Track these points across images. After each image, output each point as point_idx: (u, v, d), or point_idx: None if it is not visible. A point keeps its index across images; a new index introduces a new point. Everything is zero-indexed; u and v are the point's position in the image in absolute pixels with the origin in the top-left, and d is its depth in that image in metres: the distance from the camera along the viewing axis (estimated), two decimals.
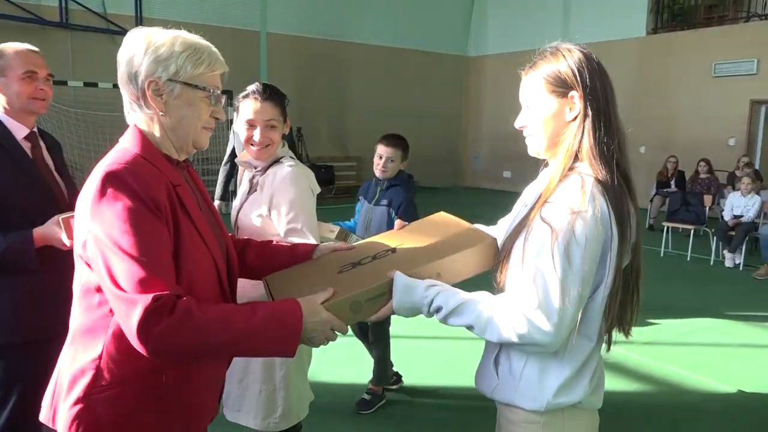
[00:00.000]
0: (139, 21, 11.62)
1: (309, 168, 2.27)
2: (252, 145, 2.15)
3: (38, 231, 1.93)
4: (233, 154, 5.08)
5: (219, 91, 1.39)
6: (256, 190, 2.18)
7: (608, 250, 1.33)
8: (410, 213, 3.31)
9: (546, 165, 1.54)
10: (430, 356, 4.23)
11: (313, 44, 13.80)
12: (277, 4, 13.31)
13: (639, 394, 3.72)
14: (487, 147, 16.46)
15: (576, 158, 1.39)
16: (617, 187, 1.34)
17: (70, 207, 2.10)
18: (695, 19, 12.60)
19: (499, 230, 1.68)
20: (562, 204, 1.31)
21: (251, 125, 2.14)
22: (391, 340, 4.48)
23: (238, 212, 2.23)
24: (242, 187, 2.31)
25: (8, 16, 10.25)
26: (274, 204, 2.09)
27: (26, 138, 2.06)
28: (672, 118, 12.53)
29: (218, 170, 13.22)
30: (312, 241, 2.03)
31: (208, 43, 1.38)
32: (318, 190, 2.24)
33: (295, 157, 2.26)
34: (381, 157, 3.41)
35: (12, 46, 2.04)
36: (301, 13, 13.60)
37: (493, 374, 1.46)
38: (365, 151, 14.83)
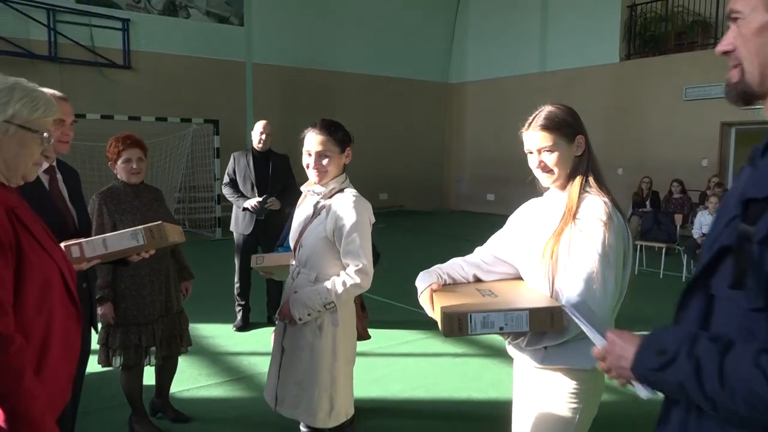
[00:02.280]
0: (127, 54, 11.90)
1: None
2: (308, 170, 2.51)
3: None
4: (233, 175, 5.40)
5: (48, 134, 1.59)
6: (320, 214, 2.50)
7: (628, 257, 1.83)
8: None
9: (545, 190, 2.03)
10: (405, 373, 4.41)
11: (297, 73, 14.12)
12: (261, 34, 13.66)
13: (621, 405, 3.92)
14: (471, 171, 16.78)
15: (586, 183, 1.89)
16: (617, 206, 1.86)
17: (78, 233, 2.33)
18: (666, 45, 13.07)
19: (495, 246, 2.12)
20: (593, 218, 1.79)
21: (308, 154, 2.51)
22: (366, 358, 4.67)
23: (301, 233, 2.56)
24: (304, 211, 2.63)
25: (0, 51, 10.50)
26: (337, 227, 2.43)
27: (45, 171, 2.31)
28: (646, 141, 12.92)
29: (206, 197, 13.31)
30: (364, 261, 2.42)
31: (45, 92, 1.60)
32: (374, 220, 2.57)
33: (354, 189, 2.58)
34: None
35: (46, 93, 2.27)
36: (285, 43, 13.95)
37: (540, 349, 1.85)
38: (353, 177, 15.04)
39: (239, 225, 5.39)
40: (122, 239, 2.19)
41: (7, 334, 1.35)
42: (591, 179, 1.89)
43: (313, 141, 2.50)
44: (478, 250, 2.18)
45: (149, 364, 3.32)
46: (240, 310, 5.47)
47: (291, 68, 14.04)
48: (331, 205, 2.50)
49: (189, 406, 3.72)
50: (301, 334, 2.51)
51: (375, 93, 15.42)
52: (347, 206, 2.46)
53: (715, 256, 1.09)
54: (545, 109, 1.94)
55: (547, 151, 1.90)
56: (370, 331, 5.12)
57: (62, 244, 2.10)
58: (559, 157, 1.89)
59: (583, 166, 1.90)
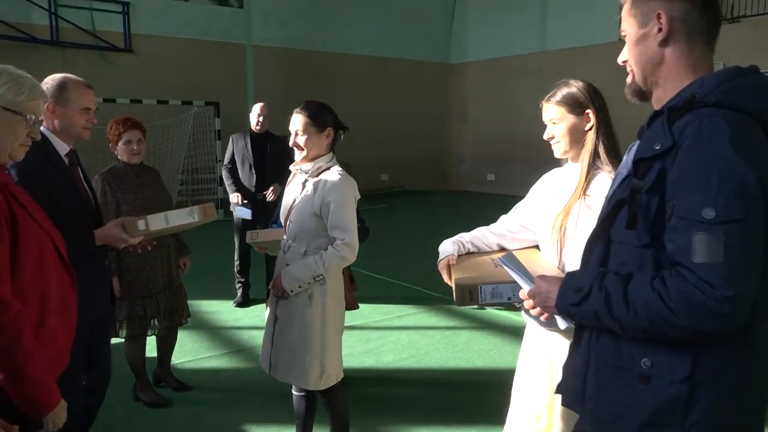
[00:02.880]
0: (128, 37, 11.98)
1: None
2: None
3: (98, 232, 2.32)
4: (232, 158, 5.57)
5: (35, 116, 1.70)
6: (308, 192, 2.65)
7: None
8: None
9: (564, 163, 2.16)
10: (397, 345, 4.59)
11: (298, 55, 14.17)
12: (262, 17, 13.69)
13: None
14: (471, 151, 16.86)
15: (596, 158, 1.98)
16: None
17: (98, 214, 2.53)
18: None
19: (520, 214, 2.29)
20: (601, 195, 1.79)
21: (294, 133, 2.70)
22: (360, 331, 4.87)
23: (290, 210, 2.73)
24: (293, 189, 2.80)
25: (2, 36, 10.60)
26: (324, 204, 2.58)
27: (66, 155, 2.44)
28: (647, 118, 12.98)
29: (208, 179, 13.45)
30: (350, 235, 2.57)
31: (31, 77, 1.72)
32: (359, 197, 2.73)
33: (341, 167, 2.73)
34: None
35: (73, 81, 2.42)
36: (285, 25, 13.98)
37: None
38: (355, 158, 15.15)
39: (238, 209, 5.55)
40: (181, 216, 2.47)
41: (4, 299, 1.49)
42: (603, 155, 1.98)
43: (293, 120, 2.69)
44: (503, 218, 2.34)
45: (153, 334, 3.51)
46: (240, 287, 5.65)
47: (291, 50, 14.09)
48: (318, 183, 2.64)
49: (191, 376, 3.92)
50: (293, 304, 2.67)
51: (376, 74, 15.46)
52: (333, 184, 2.61)
53: (612, 208, 1.37)
54: (560, 83, 2.08)
55: (554, 123, 2.06)
56: (366, 305, 5.32)
57: (127, 219, 2.35)
58: (564, 130, 2.02)
59: (592, 141, 1.99)
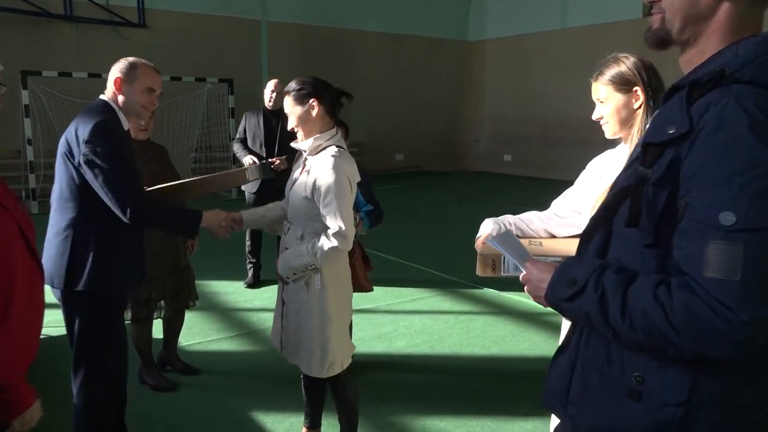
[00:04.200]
0: (142, 12, 11.85)
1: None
2: None
3: (207, 215, 2.54)
4: (244, 134, 5.51)
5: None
6: (305, 173, 2.50)
7: None
8: (370, 189, 3.51)
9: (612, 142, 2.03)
10: (410, 329, 4.48)
11: (313, 31, 13.95)
12: None
13: None
14: (488, 131, 16.60)
15: None
16: None
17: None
18: None
19: (570, 197, 2.14)
20: None
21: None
22: (372, 315, 4.76)
23: (290, 190, 2.58)
24: (296, 168, 2.65)
25: (15, 10, 10.50)
26: (316, 188, 2.41)
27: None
28: None
29: (222, 157, 13.40)
30: (341, 223, 2.39)
31: None
32: (358, 178, 2.54)
33: (343, 146, 2.55)
34: None
35: (143, 62, 2.51)
36: (301, 0, 13.76)
37: None
38: (369, 136, 15.02)
39: (248, 184, 5.43)
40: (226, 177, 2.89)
41: None
42: None
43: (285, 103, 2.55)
44: (554, 202, 2.20)
45: (159, 317, 3.43)
46: (251, 268, 5.57)
47: (307, 26, 13.87)
48: (312, 164, 2.49)
49: (199, 358, 3.85)
50: (294, 289, 2.56)
51: (392, 51, 15.21)
52: (325, 166, 2.42)
53: (616, 194, 1.19)
54: (609, 59, 1.95)
55: (602, 102, 1.94)
56: (378, 289, 5.20)
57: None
58: (612, 109, 1.91)
59: (641, 120, 1.87)
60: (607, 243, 1.20)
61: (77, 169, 2.31)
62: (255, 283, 5.51)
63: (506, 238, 1.41)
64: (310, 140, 2.50)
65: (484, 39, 16.46)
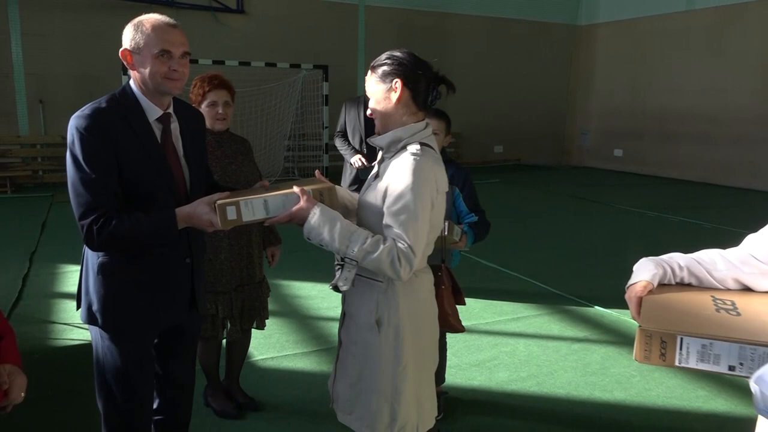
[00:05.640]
0: None
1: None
2: None
3: (183, 211, 1.87)
4: (344, 127, 4.96)
5: None
6: (377, 178, 1.94)
7: None
8: (474, 195, 2.98)
9: None
10: (513, 357, 3.83)
11: (412, 16, 13.39)
12: None
13: None
14: (597, 123, 15.36)
15: None
16: None
17: (190, 195, 2.00)
18: None
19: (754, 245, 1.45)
20: None
21: None
22: (469, 336, 4.13)
23: (361, 198, 1.99)
24: (372, 173, 2.07)
25: None
26: (387, 196, 1.83)
27: (158, 120, 1.94)
28: None
29: (315, 146, 13.25)
30: (408, 243, 1.77)
31: None
32: (445, 187, 1.91)
33: (432, 144, 1.92)
34: (437, 134, 3.10)
35: (150, 19, 1.89)
36: None
37: None
38: (466, 127, 14.29)
39: (345, 179, 4.98)
40: (286, 203, 1.81)
41: None
42: None
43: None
44: (748, 238, 1.51)
45: (225, 337, 2.99)
46: (338, 269, 5.10)
47: (405, 10, 13.32)
48: (388, 167, 1.89)
49: (270, 379, 3.41)
50: (355, 324, 1.97)
51: (494, 37, 14.36)
52: (400, 167, 1.82)
53: None
54: None
55: None
56: (474, 302, 4.58)
57: (217, 202, 1.80)
58: None
59: None
60: None
61: None
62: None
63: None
64: (388, 134, 1.90)
65: (596, 23, 15.19)
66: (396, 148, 1.89)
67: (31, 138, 10.61)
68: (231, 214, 1.80)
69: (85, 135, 1.81)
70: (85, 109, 1.85)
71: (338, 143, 5.01)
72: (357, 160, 4.70)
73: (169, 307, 2.06)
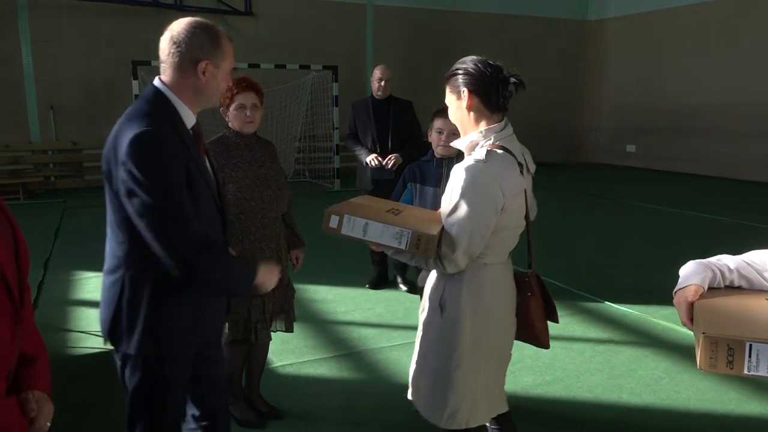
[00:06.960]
0: (248, 0, 11.74)
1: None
2: None
3: (262, 272, 1.86)
4: (354, 128, 4.97)
5: None
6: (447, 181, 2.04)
7: None
8: None
9: None
10: (537, 361, 3.75)
11: (420, 15, 13.31)
12: None
13: None
14: (608, 119, 15.21)
15: None
16: None
17: (220, 205, 1.91)
18: None
19: None
20: None
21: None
22: None
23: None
24: None
25: (128, 1, 10.70)
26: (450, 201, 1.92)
27: (192, 128, 1.81)
28: None
29: (325, 147, 13.21)
30: (456, 250, 1.85)
31: None
32: (515, 190, 1.94)
33: (507, 146, 1.97)
34: (441, 132, 3.10)
35: (225, 35, 1.79)
36: None
37: None
38: None
39: (363, 181, 4.93)
40: (384, 234, 1.89)
41: None
42: None
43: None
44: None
45: (255, 340, 2.94)
46: (377, 268, 5.09)
47: (414, 9, 13.24)
48: (451, 174, 1.96)
49: (290, 387, 3.35)
50: (427, 305, 2.08)
51: (503, 34, 14.25)
52: (457, 178, 1.90)
53: None
54: None
55: None
56: None
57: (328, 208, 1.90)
58: None
59: None
60: None
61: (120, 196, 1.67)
62: (379, 284, 5.06)
63: None
64: (465, 138, 2.02)
65: (606, 17, 15.04)
66: (473, 150, 1.97)
67: (42, 144, 10.63)
68: (333, 222, 1.88)
69: (162, 156, 1.62)
70: (143, 125, 1.63)
71: (350, 145, 4.97)
72: (372, 159, 4.66)
73: (215, 322, 1.99)
